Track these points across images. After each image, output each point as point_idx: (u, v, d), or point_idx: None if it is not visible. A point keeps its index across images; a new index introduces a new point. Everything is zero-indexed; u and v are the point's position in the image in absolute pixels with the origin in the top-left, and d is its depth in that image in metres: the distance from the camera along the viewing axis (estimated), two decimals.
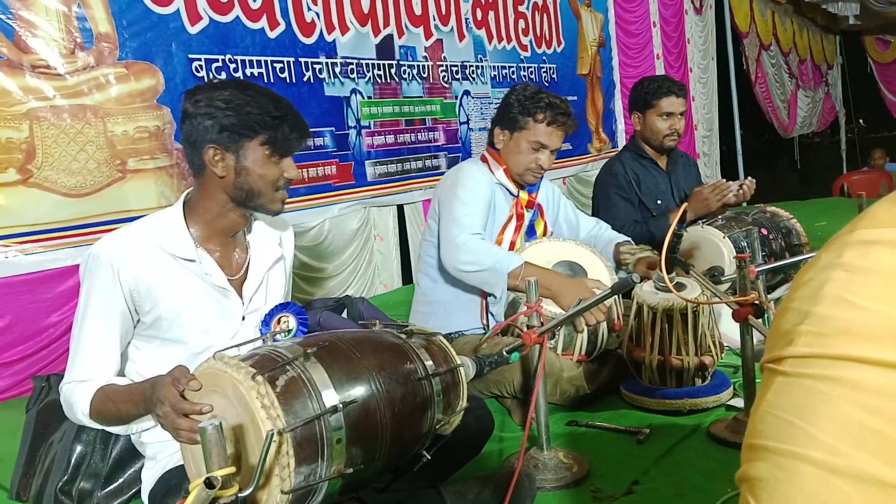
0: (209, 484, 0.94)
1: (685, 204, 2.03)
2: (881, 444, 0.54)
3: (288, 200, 3.66)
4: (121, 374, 1.61)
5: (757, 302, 1.84)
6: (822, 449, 0.57)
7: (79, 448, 1.80)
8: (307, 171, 3.77)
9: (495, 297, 2.37)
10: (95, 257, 1.54)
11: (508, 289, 2.31)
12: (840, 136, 12.03)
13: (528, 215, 2.63)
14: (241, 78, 3.43)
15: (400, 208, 4.49)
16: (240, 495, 1.03)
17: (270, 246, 1.75)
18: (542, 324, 1.80)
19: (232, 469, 1.01)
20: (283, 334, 1.57)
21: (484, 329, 2.50)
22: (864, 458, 0.54)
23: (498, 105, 2.62)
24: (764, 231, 2.80)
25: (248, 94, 1.55)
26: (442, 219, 2.45)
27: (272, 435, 1.07)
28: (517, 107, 2.46)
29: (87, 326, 1.53)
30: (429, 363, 1.40)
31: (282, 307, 1.65)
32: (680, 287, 2.16)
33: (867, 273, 0.60)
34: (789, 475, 0.59)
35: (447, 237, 2.37)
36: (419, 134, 4.52)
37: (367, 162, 4.14)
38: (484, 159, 2.59)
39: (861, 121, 13.15)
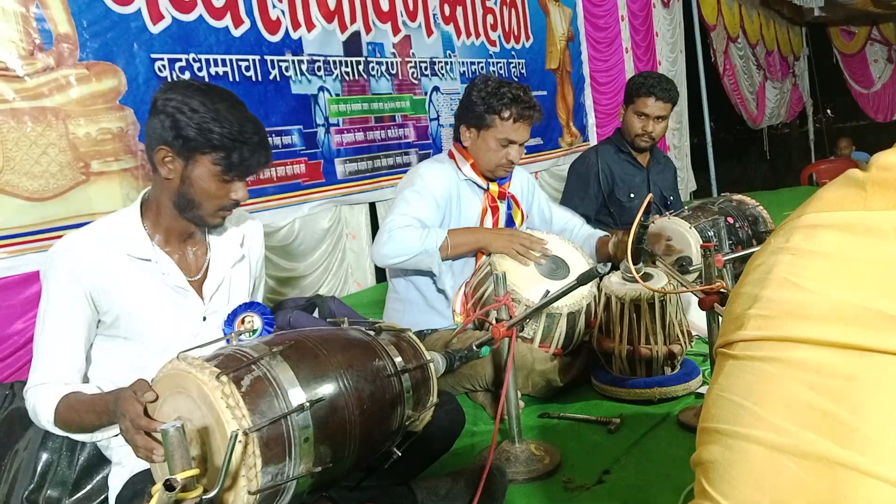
0: (168, 486, 0.93)
1: (650, 195, 2.05)
2: (826, 422, 0.54)
3: (256, 200, 3.67)
4: (86, 375, 1.59)
5: (723, 290, 1.86)
6: (770, 429, 0.57)
7: (45, 456, 1.77)
8: (275, 170, 3.73)
9: (436, 275, 2.42)
10: (53, 259, 1.53)
11: (444, 259, 2.39)
12: (808, 126, 12.19)
13: (502, 207, 2.62)
14: (206, 78, 3.39)
15: (372, 206, 4.47)
16: (204, 497, 1.02)
17: (231, 245, 1.73)
18: (511, 317, 1.81)
19: (195, 471, 1.00)
20: (247, 334, 1.56)
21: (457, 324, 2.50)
22: (809, 437, 0.55)
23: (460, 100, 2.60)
24: (730, 220, 2.83)
25: (217, 107, 1.50)
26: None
27: (236, 435, 1.06)
28: (481, 104, 2.43)
29: (48, 329, 1.52)
30: (398, 360, 1.40)
31: (246, 307, 1.64)
32: (647, 277, 2.18)
33: (812, 256, 0.61)
34: (739, 456, 0.60)
35: (377, 237, 2.38)
36: (389, 131, 4.50)
37: (336, 160, 4.12)
38: (451, 155, 2.58)
39: (829, 111, 13.33)
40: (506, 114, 2.42)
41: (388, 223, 2.36)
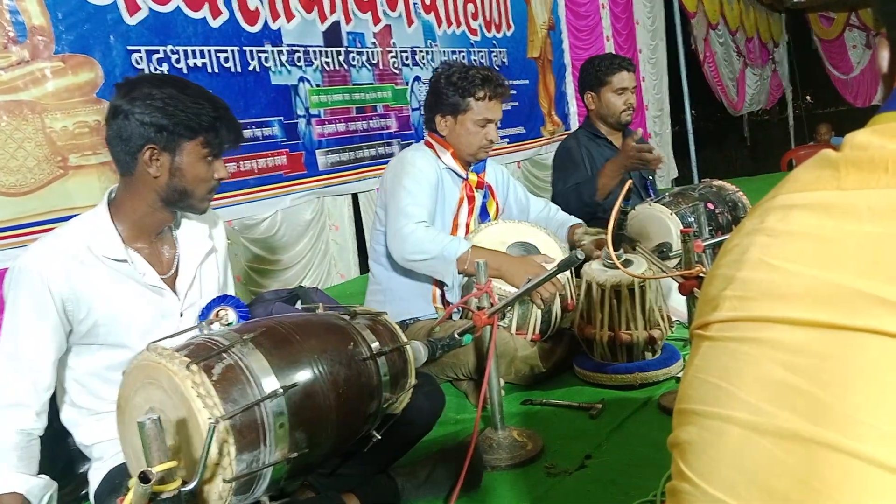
0: (143, 478, 0.92)
1: (630, 181, 2.06)
2: (800, 401, 0.55)
3: (237, 193, 3.66)
4: (59, 382, 1.57)
5: (702, 275, 1.87)
6: (746, 409, 0.57)
7: None
8: (256, 162, 3.71)
9: (447, 286, 2.37)
10: (22, 270, 1.48)
11: (458, 273, 2.31)
12: (788, 112, 12.26)
13: (479, 197, 2.63)
14: (184, 70, 3.35)
15: (355, 197, 4.46)
16: (183, 489, 1.01)
17: (200, 239, 1.72)
18: (493, 304, 1.81)
19: (173, 463, 0.99)
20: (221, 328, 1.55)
21: (438, 314, 2.50)
22: (784, 416, 0.55)
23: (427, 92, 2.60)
24: (710, 206, 2.84)
25: (187, 93, 1.53)
26: (388, 209, 2.43)
27: (213, 428, 1.06)
28: (453, 90, 2.45)
29: (17, 343, 1.47)
30: (374, 343, 1.39)
31: (220, 300, 1.62)
32: (627, 263, 2.19)
33: (786, 236, 0.61)
34: (716, 437, 0.60)
35: (393, 229, 2.35)
36: (371, 121, 4.48)
37: (318, 151, 4.09)
38: (429, 145, 2.57)
39: (808, 97, 13.41)
40: (480, 94, 2.45)
41: (403, 212, 2.33)
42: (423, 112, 2.66)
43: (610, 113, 3.26)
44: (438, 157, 2.53)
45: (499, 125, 2.56)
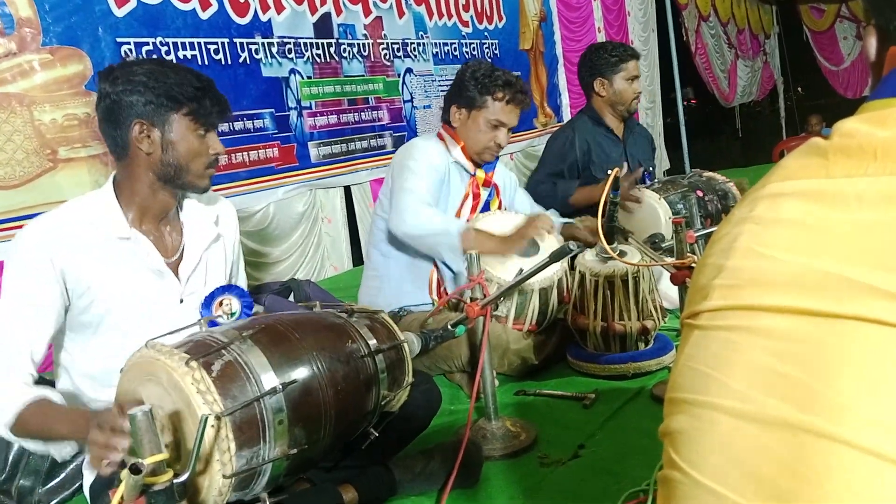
0: (134, 470, 0.92)
1: (615, 169, 2.05)
2: (789, 388, 0.55)
3: (229, 185, 3.64)
4: (56, 365, 1.56)
5: (694, 265, 1.88)
6: (735, 397, 0.58)
7: (16, 445, 1.75)
8: (248, 154, 3.70)
9: (451, 268, 2.36)
10: (24, 242, 1.48)
11: (461, 251, 2.29)
12: (779, 104, 12.29)
13: (484, 194, 2.63)
14: (174, 61, 3.34)
15: (347, 189, 4.44)
16: (175, 481, 1.01)
17: (206, 225, 1.70)
18: (485, 296, 1.81)
19: (164, 455, 0.99)
20: (224, 317, 1.54)
21: (433, 303, 2.50)
22: (773, 403, 0.55)
23: (451, 83, 2.61)
24: (699, 193, 2.85)
25: (167, 67, 1.55)
26: (393, 189, 2.43)
27: (206, 419, 1.06)
28: (474, 85, 2.46)
29: (12, 315, 1.46)
30: (371, 341, 1.40)
31: (224, 289, 1.61)
32: (621, 254, 2.19)
33: (775, 224, 0.61)
34: (706, 425, 0.60)
35: (397, 206, 2.35)
36: (363, 113, 4.46)
37: (310, 143, 4.08)
38: (440, 137, 2.58)
39: (799, 88, 13.44)
40: (500, 94, 2.46)
41: (407, 190, 2.34)
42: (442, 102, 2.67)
43: (620, 100, 3.23)
44: (448, 150, 2.53)
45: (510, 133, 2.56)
